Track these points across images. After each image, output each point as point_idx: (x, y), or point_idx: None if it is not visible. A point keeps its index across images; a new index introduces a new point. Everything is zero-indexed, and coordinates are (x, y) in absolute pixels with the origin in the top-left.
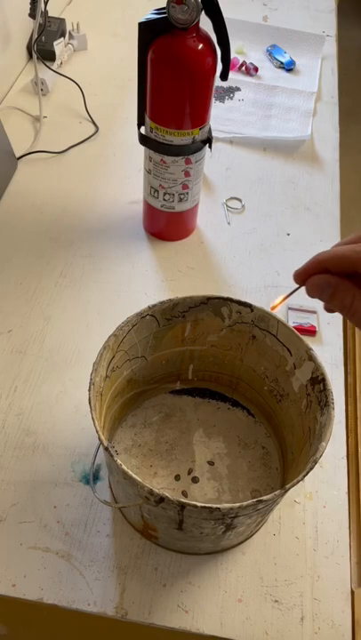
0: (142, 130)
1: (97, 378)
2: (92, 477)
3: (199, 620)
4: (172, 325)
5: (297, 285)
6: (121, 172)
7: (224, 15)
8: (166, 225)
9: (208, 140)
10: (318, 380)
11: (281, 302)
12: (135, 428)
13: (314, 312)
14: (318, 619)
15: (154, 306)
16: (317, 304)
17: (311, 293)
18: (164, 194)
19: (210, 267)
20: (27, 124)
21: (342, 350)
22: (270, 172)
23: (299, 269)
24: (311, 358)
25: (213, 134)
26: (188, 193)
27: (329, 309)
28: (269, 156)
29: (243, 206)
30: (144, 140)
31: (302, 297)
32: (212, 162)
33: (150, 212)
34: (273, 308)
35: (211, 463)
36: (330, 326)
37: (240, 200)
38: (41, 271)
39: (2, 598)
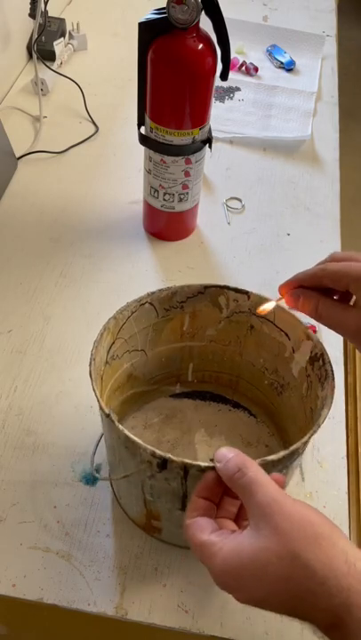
0: (142, 130)
1: (97, 356)
2: (92, 461)
3: (199, 620)
4: (171, 317)
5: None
6: (121, 172)
7: (224, 15)
8: (166, 225)
9: (208, 140)
10: (317, 357)
11: (269, 309)
12: (136, 430)
13: None
14: None
15: (152, 293)
16: None
17: (288, 303)
18: (164, 194)
19: (210, 267)
20: (27, 124)
21: (342, 350)
22: (270, 172)
23: (282, 283)
24: (309, 337)
25: (213, 134)
26: (188, 193)
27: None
28: (269, 156)
29: (243, 206)
30: (144, 140)
31: None
32: (212, 162)
33: (150, 212)
34: (260, 312)
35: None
36: None
37: (240, 200)
38: (41, 271)
39: (2, 598)
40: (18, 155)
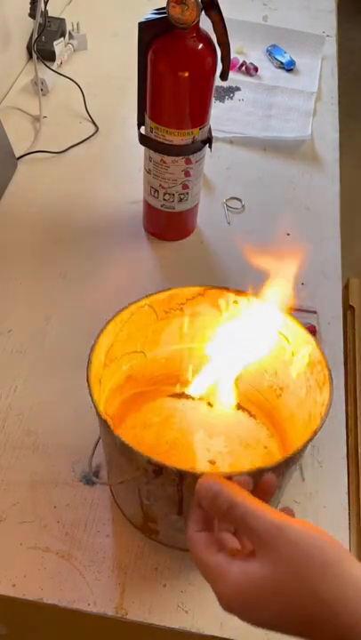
0: (142, 130)
1: (95, 360)
2: (90, 463)
3: (199, 620)
4: (171, 319)
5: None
6: (121, 172)
7: (224, 15)
8: (166, 225)
9: (208, 140)
10: (316, 362)
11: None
12: (135, 430)
13: (314, 312)
14: None
15: (151, 295)
16: (318, 304)
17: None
18: (164, 194)
19: (210, 267)
20: (27, 124)
21: (342, 350)
22: (270, 172)
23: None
24: (308, 342)
25: (213, 134)
26: (188, 193)
27: None
28: (269, 156)
29: (243, 206)
30: (144, 139)
31: (302, 297)
32: (212, 162)
33: (150, 211)
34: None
35: (212, 463)
36: (330, 326)
37: (240, 200)
38: (41, 271)
39: (2, 598)
40: (18, 155)
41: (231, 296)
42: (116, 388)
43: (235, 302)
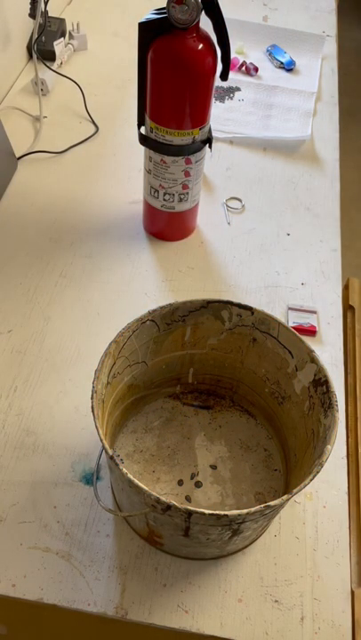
0: (142, 130)
1: (99, 385)
2: (95, 486)
3: (199, 620)
4: (173, 330)
5: None
6: (121, 172)
7: (224, 15)
8: (166, 225)
9: (208, 140)
10: (321, 383)
11: None
12: (136, 434)
13: (314, 312)
14: (318, 619)
15: (154, 311)
16: (318, 304)
17: None
18: (164, 194)
19: (210, 267)
20: (27, 124)
21: (342, 350)
22: (270, 172)
23: None
24: (313, 360)
25: (213, 134)
26: (188, 193)
27: None
28: (269, 156)
29: (243, 206)
30: (144, 140)
31: (302, 297)
32: (212, 162)
33: (150, 211)
34: None
35: (213, 467)
36: (330, 326)
37: (240, 200)
38: (41, 271)
39: (2, 598)
40: (18, 155)
41: (235, 309)
42: (118, 400)
43: (238, 315)
